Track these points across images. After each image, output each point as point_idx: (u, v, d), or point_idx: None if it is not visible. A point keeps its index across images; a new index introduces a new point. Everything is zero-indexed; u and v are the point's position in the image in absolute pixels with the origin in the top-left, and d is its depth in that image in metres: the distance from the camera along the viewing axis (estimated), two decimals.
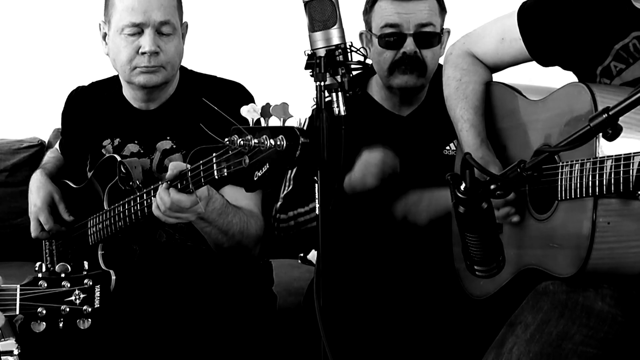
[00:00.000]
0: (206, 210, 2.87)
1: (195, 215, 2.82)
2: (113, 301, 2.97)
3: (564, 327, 2.50)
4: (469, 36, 3.00)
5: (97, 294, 2.47)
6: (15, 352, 2.87)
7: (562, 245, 2.52)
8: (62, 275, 2.43)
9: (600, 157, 2.34)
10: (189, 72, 3.34)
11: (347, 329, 3.02)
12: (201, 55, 3.56)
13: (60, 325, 2.43)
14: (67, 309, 2.43)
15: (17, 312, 2.39)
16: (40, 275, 2.42)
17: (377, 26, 3.38)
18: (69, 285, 2.43)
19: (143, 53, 3.08)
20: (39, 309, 2.40)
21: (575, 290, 2.58)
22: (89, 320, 2.46)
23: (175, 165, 2.79)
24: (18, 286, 2.40)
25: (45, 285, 2.41)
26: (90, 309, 2.45)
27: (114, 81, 3.36)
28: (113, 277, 2.93)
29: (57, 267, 2.44)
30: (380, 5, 3.38)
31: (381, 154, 3.19)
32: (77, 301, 2.44)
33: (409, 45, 3.34)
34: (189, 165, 2.71)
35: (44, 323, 2.42)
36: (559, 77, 2.78)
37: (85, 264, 2.47)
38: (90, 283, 2.46)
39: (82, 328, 2.45)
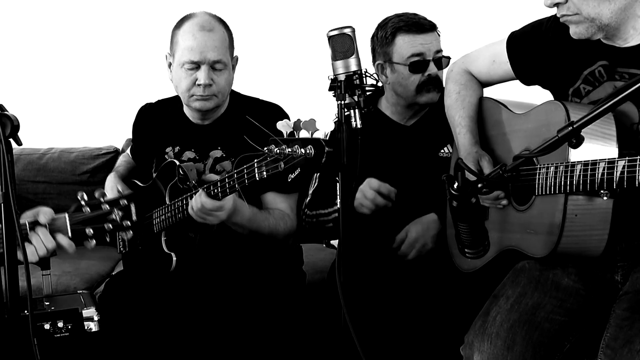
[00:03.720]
0: (234, 219, 2.92)
1: (218, 219, 2.86)
2: (175, 276, 3.01)
3: (537, 299, 2.52)
4: (467, 57, 2.99)
5: (133, 209, 2.45)
6: (95, 318, 2.90)
7: (537, 232, 2.53)
8: (101, 199, 2.39)
9: (572, 162, 2.33)
10: (237, 95, 3.33)
11: (362, 300, 3.03)
12: (249, 80, 3.58)
13: (107, 239, 2.40)
14: (111, 226, 2.40)
15: (70, 235, 2.35)
16: (82, 202, 2.38)
17: (404, 56, 3.33)
18: (107, 207, 2.40)
19: (199, 84, 3.10)
20: (87, 230, 2.37)
21: (547, 269, 2.60)
22: (130, 232, 2.42)
23: (209, 177, 2.85)
24: (66, 214, 2.37)
25: (89, 210, 2.38)
26: (129, 222, 2.42)
27: (175, 100, 3.36)
28: (174, 259, 2.96)
29: (95, 193, 2.40)
30: (404, 39, 3.33)
31: (373, 194, 3.16)
32: (117, 218, 2.43)
33: (432, 69, 3.34)
34: (218, 177, 2.77)
35: (94, 240, 2.38)
36: (538, 95, 2.78)
37: (120, 189, 2.45)
38: (125, 202, 2.41)
39: (126, 239, 2.43)
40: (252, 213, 3.02)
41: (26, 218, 2.33)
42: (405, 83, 3.37)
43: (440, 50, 3.38)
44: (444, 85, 3.34)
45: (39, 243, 2.30)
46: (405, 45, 3.35)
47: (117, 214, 2.39)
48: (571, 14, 2.43)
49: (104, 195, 2.39)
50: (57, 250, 2.37)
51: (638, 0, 2.39)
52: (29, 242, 2.29)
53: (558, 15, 2.48)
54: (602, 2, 2.37)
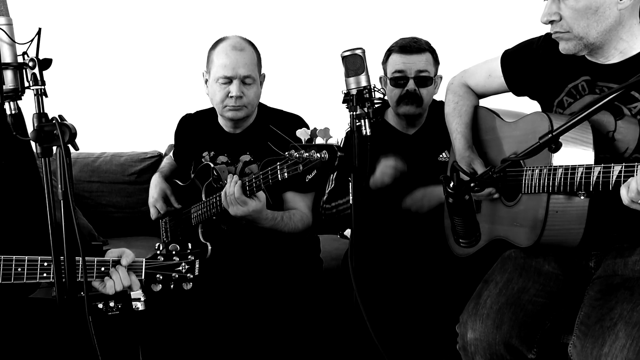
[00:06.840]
0: (257, 223, 2.96)
1: (237, 212, 2.86)
2: (210, 263, 3.02)
3: (522, 284, 2.52)
4: (465, 72, 2.99)
5: (197, 265, 2.53)
6: (142, 298, 2.92)
7: (522, 225, 2.54)
8: (173, 252, 2.47)
9: (554, 166, 2.35)
10: (264, 107, 3.35)
11: (371, 283, 3.04)
12: (274, 94, 3.60)
13: (171, 287, 2.49)
14: (177, 276, 2.47)
15: (143, 277, 2.44)
16: (158, 252, 2.47)
17: (390, 72, 3.41)
18: (177, 259, 2.48)
19: (231, 97, 3.13)
20: (157, 275, 2.44)
21: (530, 257, 2.61)
22: (191, 283, 2.50)
23: (251, 169, 2.87)
24: (144, 259, 2.46)
25: (162, 259, 2.45)
26: (192, 276, 2.50)
27: (211, 111, 3.38)
28: (209, 248, 2.97)
29: (169, 246, 2.50)
30: (392, 58, 3.41)
31: (393, 160, 3.22)
32: (183, 270, 2.49)
33: (411, 85, 3.37)
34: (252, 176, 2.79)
35: (160, 285, 2.45)
36: (527, 105, 2.78)
37: (189, 244, 2.53)
38: (192, 258, 2.49)
39: (186, 289, 2.51)
40: (273, 224, 3.05)
41: (111, 255, 2.42)
42: (390, 95, 3.45)
43: (423, 70, 3.38)
44: (425, 100, 3.40)
45: (118, 280, 2.39)
46: (392, 63, 3.43)
47: (184, 267, 2.47)
48: (563, 31, 2.44)
49: (176, 249, 2.48)
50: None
51: (621, 24, 2.39)
52: (108, 277, 2.39)
53: (551, 32, 2.49)
54: (590, 24, 2.38)
